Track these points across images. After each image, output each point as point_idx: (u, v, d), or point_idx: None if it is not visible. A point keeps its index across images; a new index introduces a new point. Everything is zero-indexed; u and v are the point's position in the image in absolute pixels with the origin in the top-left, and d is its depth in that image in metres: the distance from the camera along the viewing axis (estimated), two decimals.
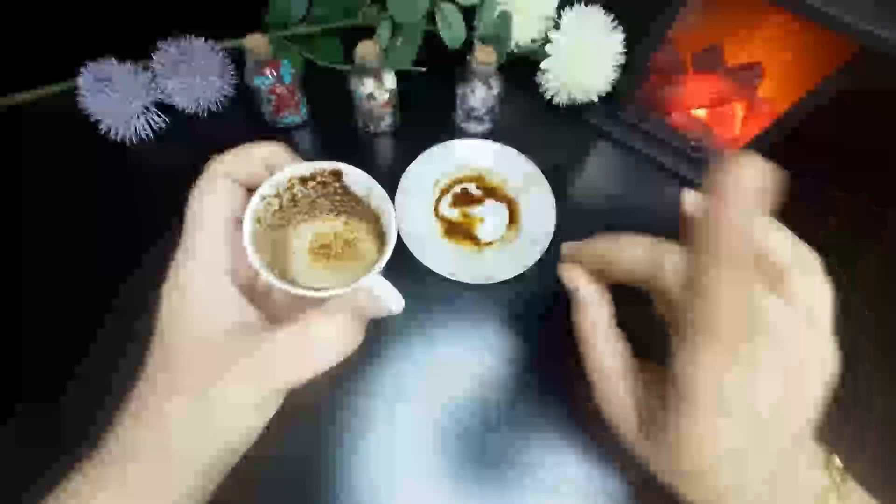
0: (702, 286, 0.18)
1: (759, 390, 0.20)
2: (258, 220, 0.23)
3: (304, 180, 0.24)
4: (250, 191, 0.23)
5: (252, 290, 0.24)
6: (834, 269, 0.23)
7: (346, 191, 0.25)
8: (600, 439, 0.33)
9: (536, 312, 0.37)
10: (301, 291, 0.21)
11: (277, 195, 0.24)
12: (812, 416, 0.21)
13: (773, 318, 0.20)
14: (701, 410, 0.20)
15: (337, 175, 0.24)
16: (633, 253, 0.23)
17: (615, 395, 0.24)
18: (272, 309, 0.23)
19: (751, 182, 0.16)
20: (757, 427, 0.20)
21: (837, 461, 0.23)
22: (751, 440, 0.20)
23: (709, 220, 0.17)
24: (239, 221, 0.22)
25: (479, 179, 0.42)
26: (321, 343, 0.21)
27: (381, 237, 0.26)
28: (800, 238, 0.23)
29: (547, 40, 0.42)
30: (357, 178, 0.24)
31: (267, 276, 0.21)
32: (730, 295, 0.18)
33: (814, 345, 0.21)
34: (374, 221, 0.26)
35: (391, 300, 0.25)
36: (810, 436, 0.23)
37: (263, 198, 0.23)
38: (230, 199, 0.22)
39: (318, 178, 0.24)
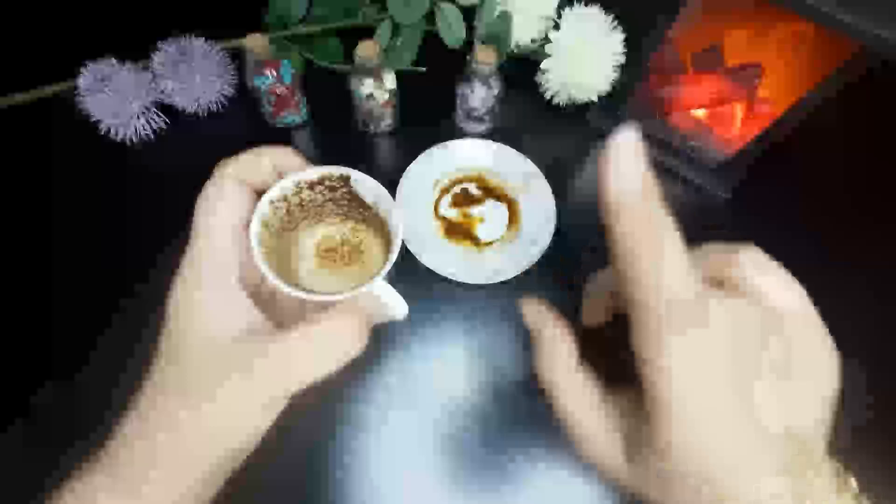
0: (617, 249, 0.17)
1: (737, 385, 0.17)
2: (265, 225, 0.23)
3: (312, 185, 0.24)
4: (258, 194, 0.23)
5: (258, 294, 0.24)
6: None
7: (353, 196, 0.25)
8: None
9: None
10: (307, 296, 0.21)
11: (285, 199, 0.24)
12: (819, 418, 0.18)
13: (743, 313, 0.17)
14: (675, 407, 0.17)
15: (345, 180, 0.24)
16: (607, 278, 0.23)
17: (590, 428, 0.21)
18: (278, 313, 0.23)
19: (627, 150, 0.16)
20: (744, 424, 0.17)
21: (854, 484, 0.21)
22: (739, 439, 0.17)
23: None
24: (247, 225, 0.22)
25: (479, 179, 0.42)
26: (325, 346, 0.21)
27: (387, 242, 0.25)
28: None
29: (547, 40, 0.42)
30: (365, 184, 0.24)
31: (273, 281, 0.21)
32: (641, 245, 0.16)
33: (797, 336, 0.18)
34: (381, 227, 0.26)
35: (395, 306, 0.25)
36: (824, 454, 0.19)
37: (271, 202, 0.23)
38: (238, 202, 0.22)
39: (327, 183, 0.24)
